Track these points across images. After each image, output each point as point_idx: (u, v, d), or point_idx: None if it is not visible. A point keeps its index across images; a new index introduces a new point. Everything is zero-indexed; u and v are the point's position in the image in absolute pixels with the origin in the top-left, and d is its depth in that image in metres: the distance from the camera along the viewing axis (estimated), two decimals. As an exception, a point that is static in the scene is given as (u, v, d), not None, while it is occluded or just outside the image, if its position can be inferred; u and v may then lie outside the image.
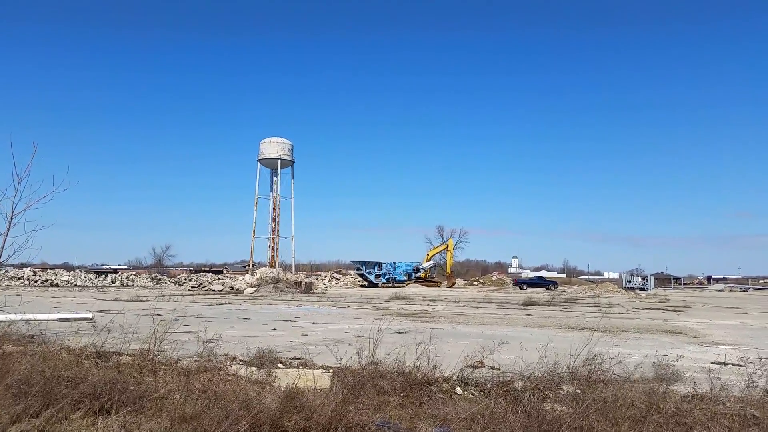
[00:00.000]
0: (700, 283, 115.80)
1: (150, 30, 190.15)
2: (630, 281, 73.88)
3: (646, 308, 27.43)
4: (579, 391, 5.80)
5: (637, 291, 63.91)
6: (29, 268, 56.06)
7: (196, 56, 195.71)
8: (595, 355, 6.54)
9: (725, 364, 8.94)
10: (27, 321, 10.61)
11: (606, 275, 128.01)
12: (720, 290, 74.98)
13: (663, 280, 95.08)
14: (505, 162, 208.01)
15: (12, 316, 10.64)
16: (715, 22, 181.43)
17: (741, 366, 8.62)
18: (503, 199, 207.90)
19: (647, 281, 74.97)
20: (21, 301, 12.84)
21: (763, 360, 9.08)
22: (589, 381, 6.07)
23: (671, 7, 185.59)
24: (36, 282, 52.38)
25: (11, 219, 8.90)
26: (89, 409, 5.85)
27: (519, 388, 6.11)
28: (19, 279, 52.54)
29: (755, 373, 6.44)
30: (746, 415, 5.22)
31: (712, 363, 9.08)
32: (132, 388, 6.17)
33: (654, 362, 7.39)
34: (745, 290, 75.93)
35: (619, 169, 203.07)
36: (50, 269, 65.32)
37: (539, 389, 6.02)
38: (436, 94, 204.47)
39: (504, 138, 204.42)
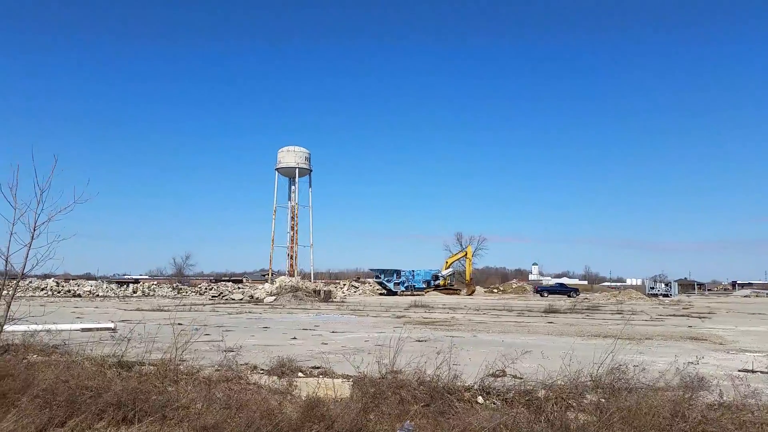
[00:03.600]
0: (725, 289, 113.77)
1: (169, 39, 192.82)
2: (653, 287, 72.83)
3: (670, 315, 27.04)
4: (603, 400, 5.72)
5: (661, 297, 63.03)
6: (52, 278, 56.91)
7: (214, 65, 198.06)
8: (618, 364, 6.45)
9: (753, 371, 8.76)
10: (50, 331, 10.74)
11: (629, 282, 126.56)
12: (746, 296, 73.63)
13: (687, 286, 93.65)
14: (524, 169, 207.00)
15: (36, 327, 10.79)
16: (741, 19, 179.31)
17: (769, 373, 8.44)
18: (523, 206, 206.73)
19: (671, 287, 73.86)
20: (44, 311, 13.01)
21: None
22: (612, 389, 5.98)
23: (689, 7, 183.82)
24: (59, 292, 53.12)
25: (34, 230, 9.04)
26: (112, 418, 5.90)
27: (541, 398, 6.03)
28: (42, 290, 53.32)
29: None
30: (776, 424, 5.10)
31: (739, 370, 8.90)
32: (154, 397, 6.21)
33: (679, 369, 7.26)
34: (771, 296, 74.44)
35: (640, 174, 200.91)
36: (73, 279, 66.26)
37: (562, 398, 5.94)
38: (455, 100, 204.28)
39: (524, 145, 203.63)
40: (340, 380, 7.06)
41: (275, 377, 7.37)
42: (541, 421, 4.98)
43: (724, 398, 5.76)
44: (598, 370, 6.43)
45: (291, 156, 72.27)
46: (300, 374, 7.63)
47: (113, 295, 53.12)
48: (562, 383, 6.22)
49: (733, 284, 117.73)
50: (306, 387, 6.87)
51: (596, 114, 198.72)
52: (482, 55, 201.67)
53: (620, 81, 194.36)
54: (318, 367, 8.25)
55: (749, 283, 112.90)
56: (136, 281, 76.21)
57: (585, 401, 5.86)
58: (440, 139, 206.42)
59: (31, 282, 54.21)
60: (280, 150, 73.45)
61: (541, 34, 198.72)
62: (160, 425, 5.71)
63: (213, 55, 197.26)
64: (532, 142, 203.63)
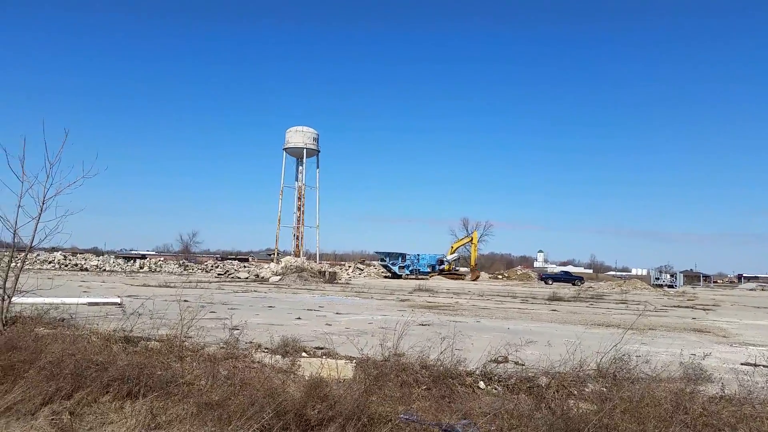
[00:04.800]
0: (731, 282, 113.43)
1: (178, 18, 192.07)
2: (658, 278, 72.64)
3: (675, 306, 27.01)
4: (605, 390, 5.74)
5: (666, 288, 62.84)
6: (60, 252, 57.32)
7: (223, 44, 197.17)
8: (621, 354, 6.46)
9: (756, 365, 8.75)
10: (58, 305, 10.85)
11: (634, 271, 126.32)
12: (751, 289, 73.31)
13: (692, 277, 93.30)
14: (531, 156, 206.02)
15: (43, 300, 10.90)
16: (746, 13, 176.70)
17: (772, 368, 8.43)
18: (530, 193, 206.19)
19: (676, 278, 73.63)
20: (52, 284, 13.13)
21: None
22: (615, 379, 6.00)
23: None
24: (66, 266, 53.56)
25: (43, 204, 9.10)
26: (118, 392, 5.98)
27: (543, 385, 6.06)
28: (50, 263, 53.77)
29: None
30: (777, 418, 5.11)
31: (741, 364, 8.91)
32: (159, 373, 6.28)
33: (682, 362, 7.27)
34: (777, 290, 74.15)
35: (649, 164, 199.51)
36: (80, 254, 66.72)
37: (564, 386, 5.97)
38: (463, 85, 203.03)
39: (531, 132, 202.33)
40: (343, 361, 7.11)
41: (279, 356, 7.43)
42: (542, 408, 5.00)
43: (726, 391, 5.77)
44: (601, 360, 6.45)
45: (299, 136, 72.16)
46: (304, 354, 7.69)
47: (120, 270, 53.50)
48: (564, 371, 6.25)
49: (739, 277, 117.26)
50: (309, 367, 6.92)
51: (605, 103, 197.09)
52: (492, 41, 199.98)
53: (628, 70, 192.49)
54: (321, 348, 8.30)
55: (755, 276, 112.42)
56: (143, 257, 76.67)
57: (587, 390, 5.89)
58: (448, 124, 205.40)
59: (38, 255, 54.65)
60: (288, 130, 73.34)
61: (554, 20, 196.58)
62: (164, 400, 5.77)
63: (224, 34, 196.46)
64: (541, 129, 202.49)
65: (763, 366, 8.68)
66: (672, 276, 74.26)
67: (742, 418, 5.05)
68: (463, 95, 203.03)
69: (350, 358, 7.27)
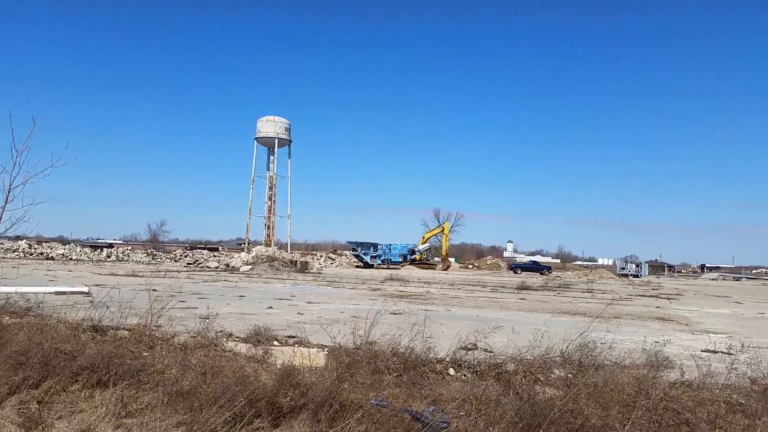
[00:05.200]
0: (694, 272, 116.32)
1: (148, 6, 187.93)
2: (624, 268, 74.23)
3: (639, 295, 27.65)
4: (570, 376, 5.90)
5: (631, 278, 64.28)
6: (24, 240, 56.04)
7: (192, 33, 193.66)
8: (587, 341, 6.63)
9: (715, 352, 9.06)
10: (23, 294, 10.65)
11: (600, 261, 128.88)
12: (713, 279, 75.37)
13: (657, 267, 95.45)
14: (502, 147, 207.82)
15: (8, 289, 10.69)
16: (718, 13, 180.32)
17: (730, 354, 8.73)
18: (500, 184, 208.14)
19: (641, 268, 75.32)
20: (18, 273, 12.87)
21: (751, 349, 9.22)
22: (580, 366, 6.16)
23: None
24: (31, 255, 52.41)
25: (9, 192, 8.92)
26: (87, 381, 5.93)
27: (511, 371, 6.20)
28: (14, 251, 52.58)
29: (741, 361, 6.56)
30: (732, 401, 5.33)
31: (702, 351, 9.20)
32: (129, 362, 6.24)
33: (645, 348, 7.49)
34: (738, 279, 76.37)
35: (616, 156, 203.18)
36: (45, 242, 65.32)
37: (531, 372, 6.11)
38: (434, 77, 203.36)
39: (502, 123, 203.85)
40: (315, 350, 7.15)
41: (251, 345, 7.44)
42: (509, 394, 5.13)
43: (686, 377, 5.98)
44: (567, 347, 6.62)
45: (270, 126, 71.58)
46: (276, 343, 7.71)
47: (87, 259, 52.57)
48: (531, 358, 6.40)
49: (702, 267, 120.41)
50: (282, 355, 6.95)
51: (574, 96, 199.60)
52: (463, 29, 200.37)
53: (599, 63, 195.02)
54: (294, 337, 8.33)
55: (717, 266, 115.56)
56: (110, 246, 75.43)
57: (553, 376, 6.05)
58: (420, 115, 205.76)
59: (2, 244, 53.38)
60: (259, 119, 72.67)
61: (527, 13, 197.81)
62: (135, 389, 5.75)
63: (195, 23, 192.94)
64: (511, 121, 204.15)
65: (722, 352, 8.99)
66: (637, 266, 75.97)
67: (701, 402, 5.25)
68: (435, 86, 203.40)
69: (322, 347, 7.32)
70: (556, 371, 6.18)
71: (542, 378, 6.04)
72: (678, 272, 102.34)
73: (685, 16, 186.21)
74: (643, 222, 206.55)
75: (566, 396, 4.72)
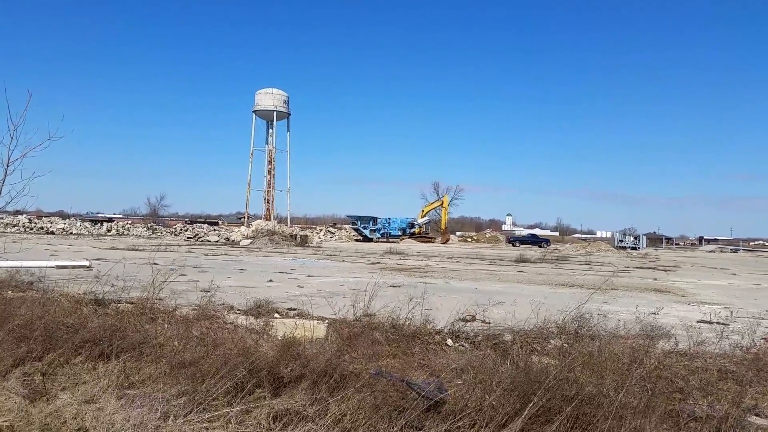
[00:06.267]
0: (692, 244, 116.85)
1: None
2: (622, 240, 74.45)
3: (637, 267, 27.80)
4: (566, 345, 5.99)
5: (629, 250, 64.51)
6: (24, 215, 56.12)
7: (192, 5, 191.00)
8: (583, 312, 6.72)
9: (710, 322, 9.17)
10: (26, 268, 10.74)
11: (598, 234, 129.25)
12: (711, 251, 75.71)
13: (655, 240, 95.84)
14: (502, 120, 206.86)
15: (11, 263, 10.76)
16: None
17: (725, 325, 8.85)
18: (499, 157, 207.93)
19: (639, 241, 75.56)
20: (20, 248, 12.94)
21: (745, 319, 9.34)
22: (576, 336, 6.26)
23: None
24: (31, 229, 52.48)
25: (7, 166, 8.90)
26: (90, 354, 6.01)
27: (508, 341, 6.30)
28: (14, 226, 52.64)
29: (734, 330, 6.66)
30: (724, 369, 5.43)
31: (697, 321, 9.32)
32: (131, 334, 6.32)
33: (640, 319, 7.60)
34: (735, 252, 76.72)
35: (615, 128, 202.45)
36: (45, 217, 65.40)
37: (528, 342, 6.21)
38: (435, 50, 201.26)
39: (501, 96, 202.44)
40: (316, 321, 7.24)
41: (252, 317, 7.53)
42: (506, 363, 5.22)
43: (680, 347, 6.08)
44: (564, 318, 6.71)
45: (269, 98, 71.00)
46: (276, 315, 7.80)
47: (87, 233, 52.68)
48: (528, 329, 6.49)
49: (700, 239, 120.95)
50: (282, 327, 7.04)
51: (572, 67, 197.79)
52: (463, 4, 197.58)
53: (599, 35, 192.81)
54: (294, 309, 8.43)
55: (715, 239, 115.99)
56: (110, 220, 75.46)
57: (549, 346, 6.14)
58: (420, 88, 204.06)
59: (2, 218, 53.43)
60: (257, 92, 72.06)
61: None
62: (137, 361, 5.83)
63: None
64: (510, 93, 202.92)
65: (717, 323, 9.10)
66: (635, 238, 76.18)
67: (694, 370, 5.36)
68: (435, 61, 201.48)
69: (323, 319, 7.41)
70: (553, 341, 6.28)
71: (539, 348, 6.14)
72: (676, 244, 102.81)
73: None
74: (642, 194, 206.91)
75: (561, 364, 4.81)
